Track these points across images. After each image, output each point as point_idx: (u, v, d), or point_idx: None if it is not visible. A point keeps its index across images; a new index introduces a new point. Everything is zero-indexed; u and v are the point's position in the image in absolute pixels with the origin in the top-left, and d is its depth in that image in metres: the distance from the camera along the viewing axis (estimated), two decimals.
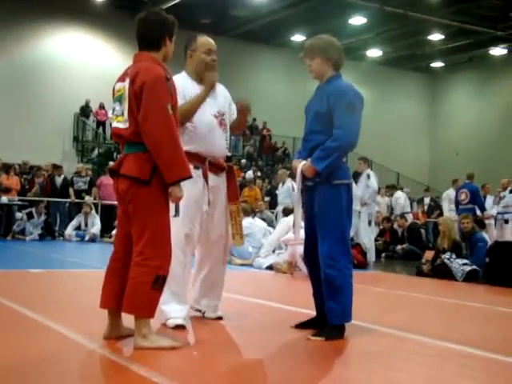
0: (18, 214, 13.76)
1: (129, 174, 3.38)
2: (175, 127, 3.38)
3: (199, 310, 4.42)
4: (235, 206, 4.33)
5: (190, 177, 3.47)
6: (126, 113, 3.42)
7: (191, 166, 3.72)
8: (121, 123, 3.46)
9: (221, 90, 4.40)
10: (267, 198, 15.96)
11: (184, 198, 3.50)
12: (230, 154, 4.41)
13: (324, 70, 4.05)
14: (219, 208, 4.28)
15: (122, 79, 3.52)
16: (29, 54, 20.85)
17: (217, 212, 4.27)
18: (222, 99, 4.33)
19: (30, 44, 20.95)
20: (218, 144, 4.18)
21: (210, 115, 4.17)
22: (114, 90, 3.58)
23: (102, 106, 20.83)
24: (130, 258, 3.42)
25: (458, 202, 12.74)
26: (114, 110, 3.54)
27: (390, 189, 15.52)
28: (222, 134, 4.21)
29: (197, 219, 4.09)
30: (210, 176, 4.14)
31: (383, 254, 12.79)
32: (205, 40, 4.24)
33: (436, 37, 23.53)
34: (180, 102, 3.78)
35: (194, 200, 4.02)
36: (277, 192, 13.68)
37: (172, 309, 4.01)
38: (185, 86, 4.10)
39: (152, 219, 3.37)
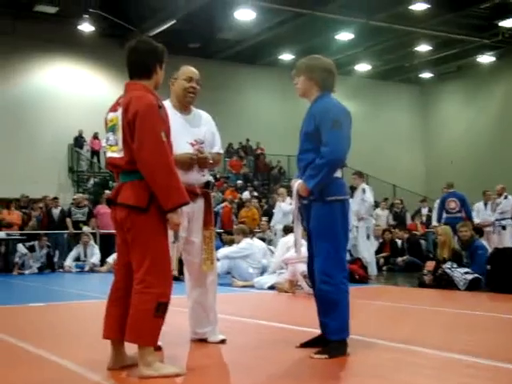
0: (21, 247, 13.69)
1: (126, 202, 3.39)
2: (169, 154, 3.40)
3: (200, 339, 4.42)
4: (208, 232, 4.34)
5: (187, 203, 3.48)
6: (120, 142, 3.43)
7: None
8: (115, 153, 3.47)
9: (205, 118, 4.48)
10: (264, 218, 15.96)
11: None
12: (209, 180, 4.41)
13: (307, 88, 4.14)
14: (198, 233, 4.30)
15: (113, 109, 3.53)
16: (20, 89, 20.91)
17: (196, 237, 4.30)
18: (203, 128, 4.40)
19: (20, 79, 21.02)
20: (192, 171, 4.22)
21: (186, 143, 4.22)
22: (106, 120, 3.60)
23: (96, 136, 20.91)
24: (131, 287, 3.41)
25: (445, 211, 12.68)
26: (107, 139, 3.55)
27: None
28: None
29: (171, 244, 4.02)
30: None
31: (384, 267, 12.78)
32: (186, 69, 4.35)
33: (423, 48, 23.72)
34: None
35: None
36: (274, 211, 13.69)
37: None
38: None
39: (152, 246, 3.37)
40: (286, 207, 12.75)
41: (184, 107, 4.35)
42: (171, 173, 3.35)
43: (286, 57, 23.95)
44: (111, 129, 3.52)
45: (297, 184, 4.07)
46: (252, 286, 9.26)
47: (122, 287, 3.51)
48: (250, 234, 10.66)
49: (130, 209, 3.38)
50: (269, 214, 15.99)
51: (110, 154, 3.54)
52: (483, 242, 9.87)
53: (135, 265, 3.39)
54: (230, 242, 11.28)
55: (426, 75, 28.20)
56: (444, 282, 8.43)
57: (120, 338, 3.46)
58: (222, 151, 4.60)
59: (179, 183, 3.39)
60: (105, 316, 3.54)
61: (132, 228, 3.37)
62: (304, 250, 4.26)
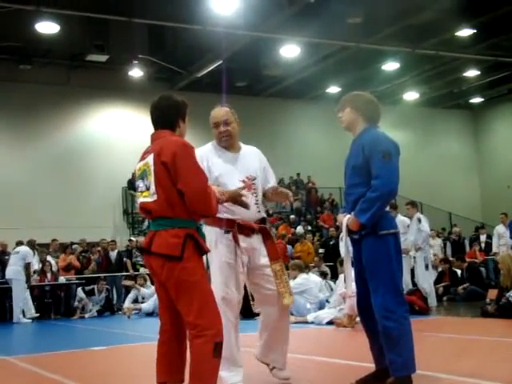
0: (80, 292, 13.93)
1: (160, 251, 3.39)
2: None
3: (267, 364, 4.40)
4: (278, 265, 4.27)
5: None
6: (152, 186, 3.45)
7: (222, 230, 4.05)
8: (148, 197, 3.49)
9: (255, 154, 4.48)
10: (321, 250, 15.93)
11: (218, 261, 3.82)
12: (264, 216, 4.38)
13: (353, 119, 4.12)
14: (264, 266, 4.26)
15: (142, 159, 3.62)
16: (73, 137, 21.35)
17: (262, 270, 4.26)
18: (254, 163, 4.38)
19: (73, 127, 21.47)
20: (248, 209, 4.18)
21: (237, 181, 4.21)
22: (135, 171, 3.69)
23: None
24: (178, 328, 3.46)
25: None
26: (137, 188, 3.58)
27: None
28: (250, 198, 4.20)
29: (232, 282, 4.10)
30: (241, 238, 4.15)
31: (445, 298, 12.48)
32: (212, 114, 4.36)
33: (472, 73, 23.46)
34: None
35: (228, 264, 4.09)
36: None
37: (227, 375, 4.02)
38: (209, 156, 4.27)
39: (195, 291, 3.36)
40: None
41: (229, 147, 4.34)
42: (214, 198, 3.48)
43: (333, 90, 24.00)
44: (140, 176, 3.56)
45: (346, 219, 4.03)
46: (311, 322, 9.14)
47: (169, 329, 3.53)
48: (306, 268, 10.59)
49: (165, 258, 3.38)
50: (326, 246, 16.02)
51: (141, 200, 3.55)
52: None
53: (184, 311, 3.39)
54: None
55: (477, 100, 27.83)
56: (508, 312, 8.18)
57: (173, 380, 3.46)
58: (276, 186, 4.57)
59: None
60: (156, 360, 3.54)
61: (171, 277, 3.37)
62: (354, 285, 4.21)
